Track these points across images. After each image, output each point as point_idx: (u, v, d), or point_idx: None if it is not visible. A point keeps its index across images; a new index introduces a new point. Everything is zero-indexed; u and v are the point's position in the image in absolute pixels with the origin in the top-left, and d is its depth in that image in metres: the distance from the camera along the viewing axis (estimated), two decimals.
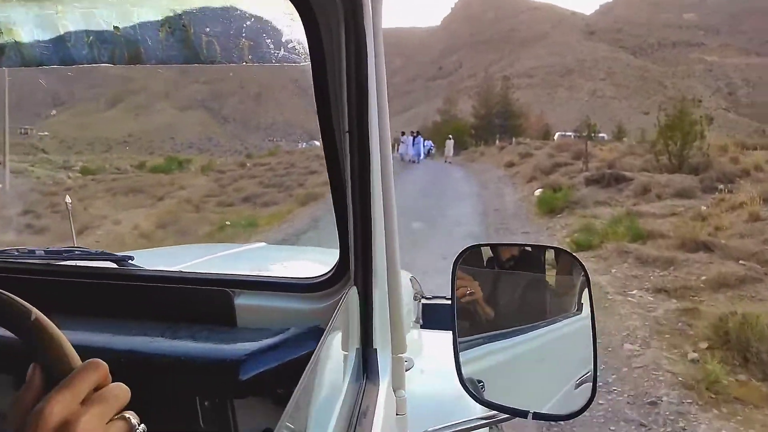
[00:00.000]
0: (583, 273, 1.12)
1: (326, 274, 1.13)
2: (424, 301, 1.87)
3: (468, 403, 1.28)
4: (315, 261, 2.40)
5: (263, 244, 3.23)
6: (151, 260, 1.41)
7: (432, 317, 1.81)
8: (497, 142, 47.31)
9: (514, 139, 42.77)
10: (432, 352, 1.20)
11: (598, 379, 1.05)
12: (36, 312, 0.66)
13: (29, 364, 0.92)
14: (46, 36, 0.97)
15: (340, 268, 1.09)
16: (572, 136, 51.12)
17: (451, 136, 33.38)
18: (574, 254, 1.19)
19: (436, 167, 27.26)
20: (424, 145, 32.40)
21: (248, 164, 25.45)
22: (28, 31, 0.97)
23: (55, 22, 0.94)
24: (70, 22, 0.94)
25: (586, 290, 1.13)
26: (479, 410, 1.25)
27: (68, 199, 2.56)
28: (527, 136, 52.74)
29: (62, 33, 0.95)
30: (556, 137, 52.91)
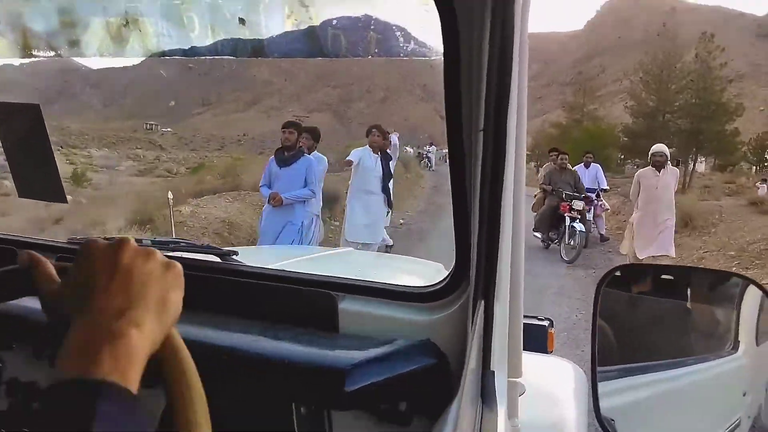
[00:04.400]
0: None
1: (439, 283, 1.09)
2: None
3: None
4: (407, 271, 2.47)
5: (351, 249, 3.32)
6: (246, 256, 1.45)
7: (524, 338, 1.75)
8: (699, 163, 31.96)
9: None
10: (528, 376, 1.09)
11: None
12: None
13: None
14: (170, 27, 0.98)
15: (455, 279, 1.04)
16: None
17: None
18: (757, 282, 1.03)
19: None
20: None
21: None
22: (153, 21, 0.99)
23: (180, 14, 0.96)
24: (195, 13, 0.95)
25: (747, 325, 1.01)
26: None
27: (170, 195, 2.81)
28: (732, 153, 34.56)
29: (186, 24, 0.95)
30: None
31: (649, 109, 36.66)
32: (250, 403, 1.04)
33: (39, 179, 1.32)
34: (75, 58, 1.16)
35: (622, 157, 38.67)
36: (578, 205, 9.70)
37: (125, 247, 0.60)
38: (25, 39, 1.14)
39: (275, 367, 1.00)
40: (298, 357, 1.01)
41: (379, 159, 7.10)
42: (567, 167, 10.55)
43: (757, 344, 0.99)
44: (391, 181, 7.28)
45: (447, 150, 0.92)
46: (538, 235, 10.41)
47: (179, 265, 0.64)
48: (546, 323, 1.57)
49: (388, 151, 7.46)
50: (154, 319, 0.55)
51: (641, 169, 8.51)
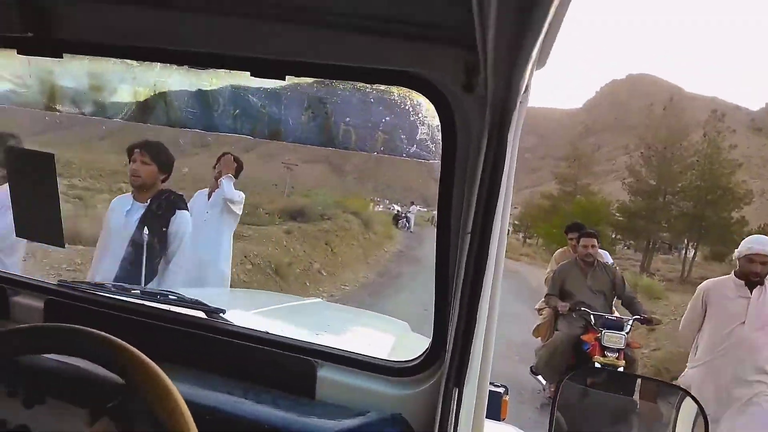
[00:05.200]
0: (701, 414, 1.09)
1: (414, 360, 1.16)
2: None
3: None
4: (375, 328, 2.55)
5: (320, 300, 3.38)
6: (213, 299, 1.50)
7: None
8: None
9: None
10: None
11: None
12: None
13: (113, 402, 0.95)
14: (195, 103, 1.08)
15: (430, 358, 1.12)
16: None
17: None
18: (687, 390, 1.20)
19: None
20: None
21: None
22: (180, 96, 1.10)
23: (206, 93, 1.06)
24: (220, 94, 1.05)
25: (684, 425, 1.13)
26: None
27: (146, 231, 2.66)
28: (736, 243, 19.40)
29: (211, 103, 1.05)
30: None
31: (649, 187, 33.29)
32: None
33: (40, 223, 1.38)
34: (96, 118, 1.25)
35: (615, 236, 35.17)
36: (615, 339, 5.01)
37: None
38: (52, 94, 1.24)
39: (256, 430, 1.05)
40: (278, 423, 1.06)
41: (143, 210, 3.20)
42: (597, 262, 5.63)
43: None
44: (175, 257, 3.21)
45: (435, 213, 1.02)
46: (542, 380, 5.84)
47: None
48: (501, 390, 1.63)
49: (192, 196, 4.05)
50: None
51: (710, 280, 4.14)
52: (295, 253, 10.95)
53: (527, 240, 42.70)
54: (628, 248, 37.45)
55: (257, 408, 1.11)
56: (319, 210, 15.51)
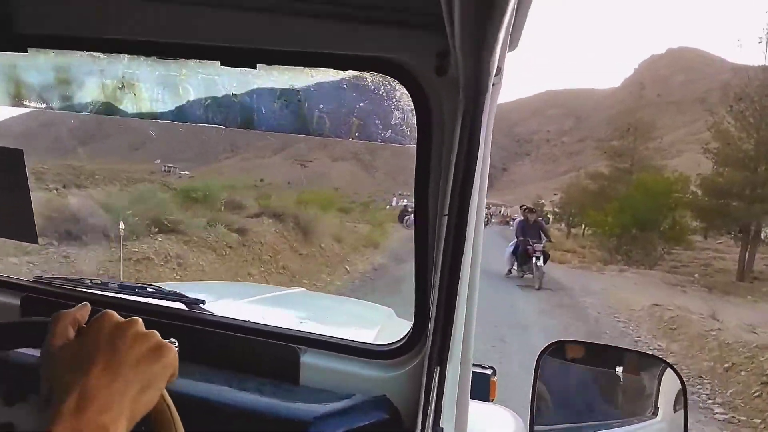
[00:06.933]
0: (680, 383, 1.14)
1: (396, 343, 1.20)
2: None
3: None
4: (359, 315, 2.59)
5: (302, 290, 3.47)
6: (191, 293, 1.50)
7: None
8: None
9: None
10: (471, 426, 1.18)
11: None
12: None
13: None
14: (165, 94, 1.08)
15: (412, 340, 1.16)
16: None
17: None
18: (667, 361, 1.24)
19: None
20: None
21: None
22: (148, 87, 1.08)
23: (176, 83, 1.05)
24: (191, 85, 1.05)
25: (666, 395, 1.18)
26: None
27: (122, 226, 2.83)
28: None
29: (181, 93, 1.03)
30: None
31: (743, 153, 23.86)
32: None
33: (12, 220, 1.38)
34: (66, 112, 1.25)
35: (698, 224, 26.37)
36: None
37: (127, 326, 0.64)
38: (18, 89, 1.22)
39: (241, 417, 1.07)
40: (263, 408, 1.08)
41: None
42: None
43: (674, 411, 1.15)
44: None
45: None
46: None
47: (172, 351, 0.68)
48: (489, 371, 1.65)
49: None
50: (129, 418, 0.59)
51: None
52: None
53: (571, 230, 36.92)
54: (705, 237, 27.27)
55: (240, 395, 1.13)
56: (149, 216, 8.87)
